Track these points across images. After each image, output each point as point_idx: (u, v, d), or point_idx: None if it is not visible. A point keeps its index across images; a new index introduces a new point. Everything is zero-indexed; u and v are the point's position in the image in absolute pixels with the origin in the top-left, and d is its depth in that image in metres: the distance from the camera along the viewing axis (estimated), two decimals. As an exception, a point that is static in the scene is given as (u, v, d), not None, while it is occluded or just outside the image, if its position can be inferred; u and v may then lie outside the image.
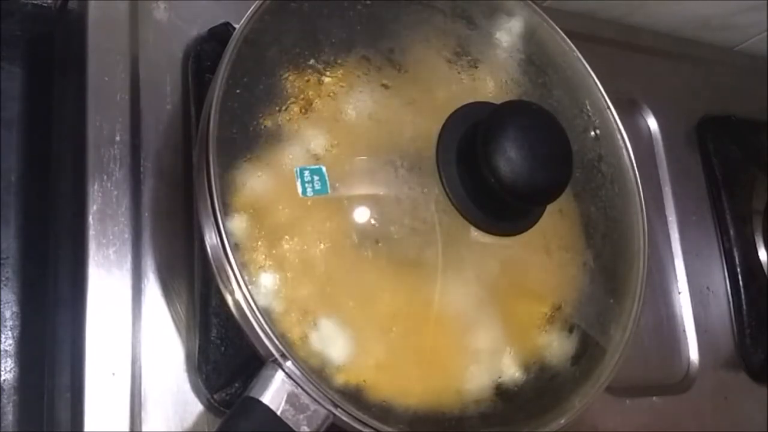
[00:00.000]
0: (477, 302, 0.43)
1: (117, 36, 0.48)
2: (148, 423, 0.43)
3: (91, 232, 0.44)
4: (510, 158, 0.41)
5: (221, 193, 0.38)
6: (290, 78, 0.42)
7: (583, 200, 0.48)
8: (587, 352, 0.46)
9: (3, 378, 0.52)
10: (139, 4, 0.49)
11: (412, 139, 0.43)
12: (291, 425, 0.37)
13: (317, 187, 0.40)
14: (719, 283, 0.66)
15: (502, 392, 0.43)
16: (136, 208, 0.46)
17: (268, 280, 0.38)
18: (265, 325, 0.37)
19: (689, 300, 0.64)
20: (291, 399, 0.37)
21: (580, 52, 0.52)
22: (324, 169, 0.40)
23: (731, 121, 0.70)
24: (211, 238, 0.39)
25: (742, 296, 0.66)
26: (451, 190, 0.43)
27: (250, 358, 0.40)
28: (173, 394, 0.44)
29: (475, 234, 0.43)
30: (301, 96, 0.42)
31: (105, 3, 0.48)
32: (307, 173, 0.40)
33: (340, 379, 0.39)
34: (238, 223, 0.39)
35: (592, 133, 0.51)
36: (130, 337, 0.44)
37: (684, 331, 0.63)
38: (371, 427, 0.38)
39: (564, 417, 0.44)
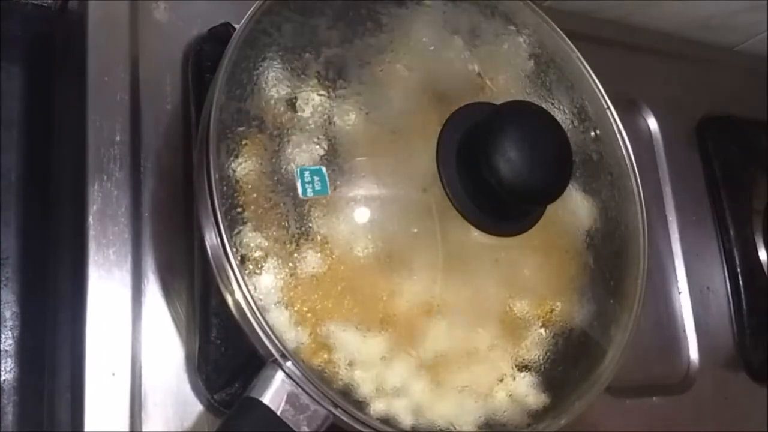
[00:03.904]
0: (477, 302, 0.43)
1: (117, 36, 0.48)
2: (148, 423, 0.43)
3: (91, 232, 0.44)
4: (510, 158, 0.41)
5: (221, 194, 0.38)
6: (290, 78, 0.42)
7: (584, 200, 0.48)
8: (587, 352, 0.46)
9: (3, 378, 0.52)
10: (139, 4, 0.49)
11: (411, 140, 0.43)
12: (291, 425, 0.37)
13: (317, 187, 0.40)
14: (719, 283, 0.66)
15: (502, 392, 0.43)
16: (136, 208, 0.46)
17: (268, 280, 0.38)
18: (265, 325, 0.37)
19: (689, 300, 0.64)
20: (291, 399, 0.37)
21: (580, 52, 0.52)
22: (324, 169, 0.40)
23: (731, 121, 0.70)
24: (211, 238, 0.39)
25: (742, 296, 0.66)
26: (451, 190, 0.43)
27: (250, 358, 0.40)
28: (173, 394, 0.44)
29: (475, 234, 0.43)
30: (301, 96, 0.42)
31: (105, 3, 0.48)
32: (307, 174, 0.40)
33: (340, 380, 0.39)
34: (238, 223, 0.39)
35: (592, 133, 0.51)
36: (130, 337, 0.44)
37: (684, 331, 0.63)
38: (371, 427, 0.38)
39: (564, 417, 0.44)
